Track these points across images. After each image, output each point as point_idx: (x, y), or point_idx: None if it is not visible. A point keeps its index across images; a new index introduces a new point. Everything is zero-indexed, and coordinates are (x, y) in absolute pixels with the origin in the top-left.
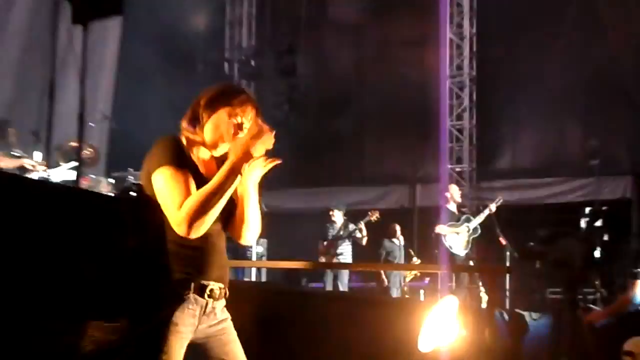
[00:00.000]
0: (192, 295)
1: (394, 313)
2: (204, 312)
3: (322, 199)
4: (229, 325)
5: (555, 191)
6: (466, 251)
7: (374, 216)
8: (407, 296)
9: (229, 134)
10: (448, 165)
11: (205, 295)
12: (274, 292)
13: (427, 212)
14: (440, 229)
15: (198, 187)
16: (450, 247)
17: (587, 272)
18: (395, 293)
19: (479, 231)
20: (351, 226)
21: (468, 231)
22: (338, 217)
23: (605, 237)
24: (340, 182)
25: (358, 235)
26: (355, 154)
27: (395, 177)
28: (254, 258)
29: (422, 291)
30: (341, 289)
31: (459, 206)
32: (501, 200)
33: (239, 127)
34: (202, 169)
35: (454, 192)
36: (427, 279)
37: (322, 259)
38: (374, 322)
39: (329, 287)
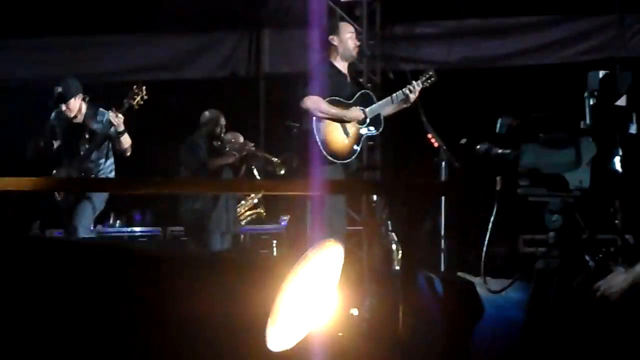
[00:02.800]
0: None
1: (219, 283)
2: None
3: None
4: None
5: (537, 42)
6: (353, 157)
7: (139, 93)
8: (245, 250)
9: None
10: None
11: None
12: None
13: (284, 84)
14: (313, 103)
15: None
16: (326, 146)
17: (599, 198)
18: (218, 243)
19: (382, 125)
20: (100, 116)
21: (363, 121)
22: (73, 103)
23: (633, 129)
24: (93, 27)
25: (112, 131)
26: None
27: (215, 17)
28: None
29: (274, 242)
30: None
31: (353, 73)
32: (433, 78)
33: None
34: None
35: (347, 37)
36: (284, 219)
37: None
38: (179, 299)
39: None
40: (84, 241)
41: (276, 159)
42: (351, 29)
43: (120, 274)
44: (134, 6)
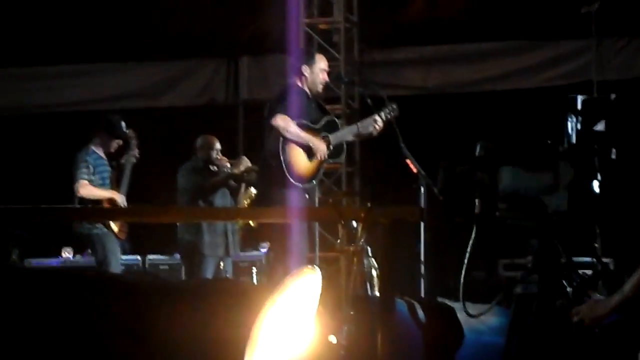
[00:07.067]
0: None
1: (198, 311)
2: None
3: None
4: None
5: (514, 67)
6: (314, 181)
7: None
8: (226, 276)
9: None
10: (304, 17)
11: None
12: None
13: (262, 110)
14: (283, 121)
15: None
16: (289, 168)
17: (578, 223)
18: (211, 268)
19: (344, 153)
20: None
21: (328, 146)
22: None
23: (613, 154)
24: (69, 56)
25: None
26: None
27: (192, 44)
28: None
29: (254, 269)
30: (112, 268)
31: (317, 96)
32: (394, 112)
33: None
34: None
35: (319, 71)
36: (263, 245)
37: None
38: (157, 328)
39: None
40: (63, 269)
41: None
42: (325, 63)
43: (98, 303)
44: (110, 35)
